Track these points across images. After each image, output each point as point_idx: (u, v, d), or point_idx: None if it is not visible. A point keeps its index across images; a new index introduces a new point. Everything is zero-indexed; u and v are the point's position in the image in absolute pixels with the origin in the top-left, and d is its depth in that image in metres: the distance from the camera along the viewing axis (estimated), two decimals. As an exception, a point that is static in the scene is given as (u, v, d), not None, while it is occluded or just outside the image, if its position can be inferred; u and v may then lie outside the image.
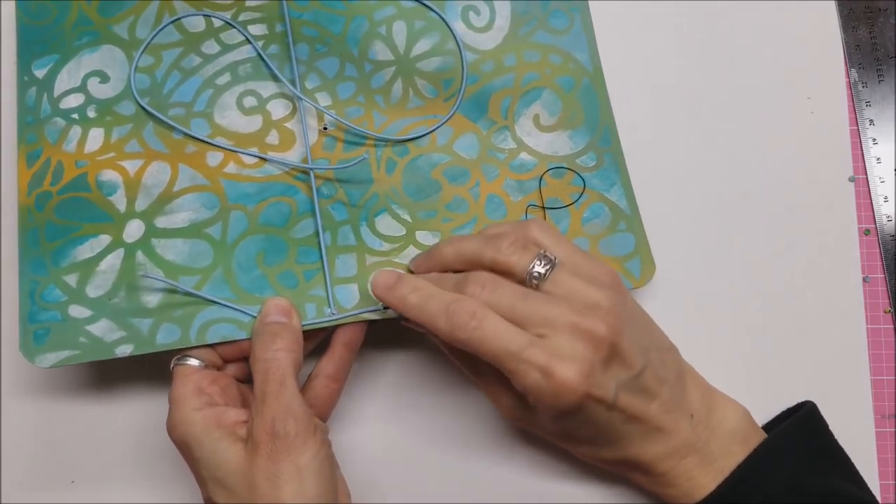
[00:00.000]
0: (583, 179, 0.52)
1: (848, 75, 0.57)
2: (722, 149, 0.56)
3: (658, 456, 0.44)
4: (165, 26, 0.53)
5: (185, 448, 0.42)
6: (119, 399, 0.51)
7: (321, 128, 0.52)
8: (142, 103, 0.51)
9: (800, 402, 0.49)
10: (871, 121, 0.56)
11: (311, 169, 0.50)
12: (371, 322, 0.48)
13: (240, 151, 0.51)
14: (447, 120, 0.52)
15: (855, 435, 0.51)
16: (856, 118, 0.57)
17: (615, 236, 0.51)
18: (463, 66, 0.54)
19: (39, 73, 0.52)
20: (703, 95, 0.57)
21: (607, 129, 0.53)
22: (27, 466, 0.50)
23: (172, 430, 0.43)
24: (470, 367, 0.46)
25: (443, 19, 0.54)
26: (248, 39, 0.53)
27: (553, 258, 0.44)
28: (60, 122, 0.51)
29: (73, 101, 0.52)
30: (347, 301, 0.48)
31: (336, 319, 0.47)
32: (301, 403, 0.42)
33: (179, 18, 0.53)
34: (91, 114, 0.51)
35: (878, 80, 0.57)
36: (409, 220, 0.50)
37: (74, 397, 0.51)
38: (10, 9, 0.55)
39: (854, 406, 0.51)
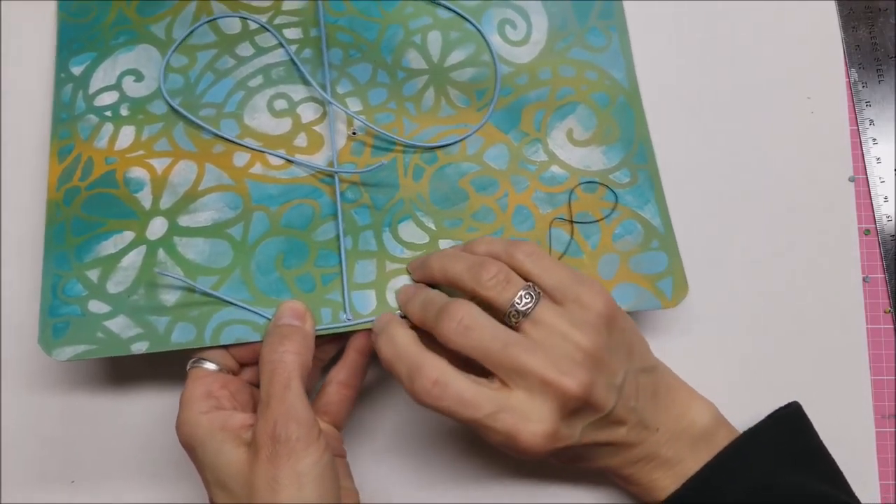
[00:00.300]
0: (615, 194, 0.50)
1: (848, 75, 0.57)
2: (722, 149, 0.55)
3: (621, 464, 0.45)
4: (200, 25, 0.53)
5: (190, 450, 0.42)
6: (120, 399, 0.51)
7: (350, 133, 0.51)
8: (172, 103, 0.51)
9: (788, 402, 0.48)
10: (871, 121, 0.56)
11: (336, 172, 0.50)
12: None
13: (266, 151, 0.50)
14: (477, 129, 0.52)
15: (855, 435, 0.51)
16: (856, 118, 0.56)
17: (647, 254, 0.49)
18: (496, 77, 0.53)
19: (76, 70, 0.53)
20: (703, 95, 0.56)
21: (643, 146, 0.52)
22: (27, 466, 0.50)
23: (179, 430, 0.43)
24: None
25: (479, 31, 0.54)
26: (281, 44, 0.53)
27: (537, 293, 0.43)
28: (94, 118, 0.51)
29: (108, 98, 0.52)
30: (364, 307, 0.47)
31: (351, 325, 0.46)
32: (305, 407, 0.41)
33: (215, 19, 0.54)
34: (124, 112, 0.52)
35: (878, 80, 0.57)
36: (434, 227, 0.49)
37: (75, 397, 0.51)
38: (49, 8, 0.56)
39: (854, 406, 0.50)
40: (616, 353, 0.43)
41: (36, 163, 0.54)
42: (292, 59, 0.53)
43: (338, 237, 0.49)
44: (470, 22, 0.54)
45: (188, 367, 0.45)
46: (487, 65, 0.54)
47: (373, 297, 0.47)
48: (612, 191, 0.51)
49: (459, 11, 0.54)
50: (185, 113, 0.51)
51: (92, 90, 0.52)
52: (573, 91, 0.53)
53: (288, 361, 0.42)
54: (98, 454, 0.50)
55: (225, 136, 0.51)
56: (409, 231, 0.49)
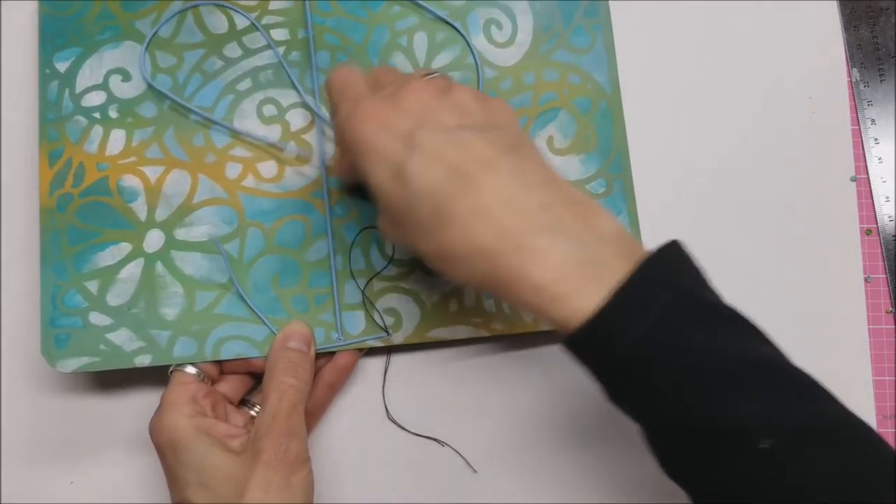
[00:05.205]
0: None
1: (849, 75, 0.57)
2: (723, 149, 0.56)
3: None
4: (184, 10, 0.53)
5: (170, 450, 0.45)
6: (120, 399, 0.52)
7: (338, 141, 0.53)
8: (169, 97, 0.52)
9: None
10: (873, 120, 0.57)
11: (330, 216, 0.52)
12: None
13: (259, 142, 0.52)
14: None
15: None
16: (857, 118, 0.57)
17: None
18: (479, 84, 0.54)
19: (61, 66, 0.52)
20: (703, 95, 0.57)
21: (620, 155, 0.54)
22: (27, 466, 0.52)
23: (160, 431, 0.45)
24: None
25: (463, 36, 0.54)
26: (270, 46, 0.53)
27: None
28: (82, 120, 0.52)
29: (95, 98, 0.52)
30: (354, 327, 0.50)
31: (342, 346, 0.50)
32: (304, 430, 0.46)
33: (196, 6, 0.53)
34: (113, 114, 0.52)
35: (879, 79, 0.57)
36: (419, 242, 0.52)
37: (75, 397, 0.52)
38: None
39: (855, 406, 0.50)
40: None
41: (26, 160, 0.54)
42: (282, 65, 0.53)
43: (328, 257, 0.51)
44: (455, 28, 0.55)
45: (171, 370, 0.49)
46: (472, 68, 0.55)
47: (362, 317, 0.50)
48: None
49: (444, 17, 0.54)
50: (176, 99, 0.52)
51: (78, 89, 0.52)
52: (556, 96, 0.54)
53: (299, 388, 0.47)
54: (97, 454, 0.52)
55: (220, 124, 0.52)
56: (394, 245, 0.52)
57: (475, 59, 0.54)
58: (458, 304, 0.51)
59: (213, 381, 0.50)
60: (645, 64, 0.57)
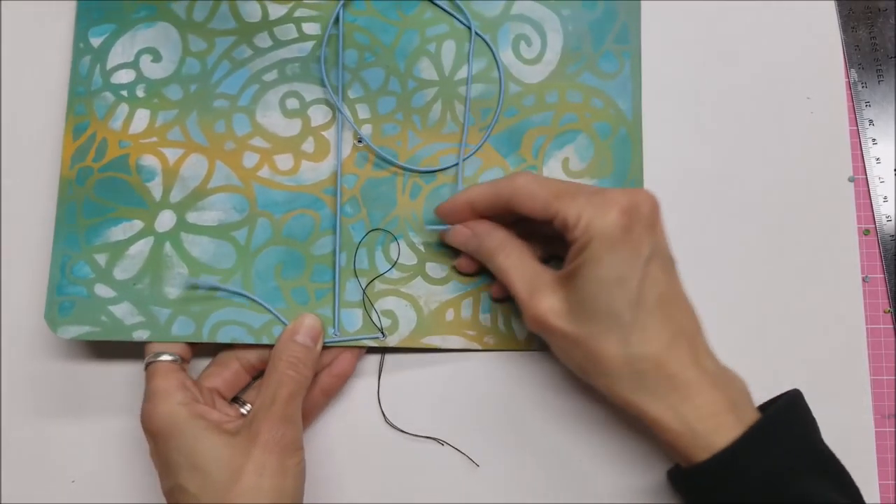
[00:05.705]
0: None
1: (847, 75, 0.57)
2: (721, 149, 0.56)
3: None
4: None
5: (162, 437, 0.46)
6: (121, 399, 0.53)
7: (356, 141, 0.53)
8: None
9: (786, 391, 0.47)
10: (871, 121, 0.57)
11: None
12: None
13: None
14: (473, 153, 0.54)
15: (854, 435, 0.53)
16: (855, 118, 0.57)
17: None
18: (500, 100, 0.54)
19: (95, 41, 0.54)
20: (702, 95, 0.57)
21: (633, 185, 0.54)
22: (27, 465, 0.52)
23: (154, 419, 0.46)
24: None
25: (491, 49, 0.55)
26: (321, 42, 0.54)
27: None
28: (110, 97, 0.53)
29: (125, 76, 0.53)
30: (351, 325, 0.51)
31: (338, 342, 0.50)
32: (300, 419, 0.47)
33: None
34: (140, 93, 0.53)
35: (877, 80, 0.57)
36: (423, 249, 0.52)
37: (75, 396, 0.53)
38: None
39: (854, 406, 0.52)
40: None
41: (52, 131, 0.55)
42: (320, 58, 0.54)
43: (334, 253, 0.52)
44: (484, 39, 0.55)
45: (147, 363, 0.49)
46: (496, 82, 0.55)
47: (360, 315, 0.51)
48: None
49: (475, 28, 0.55)
50: None
51: (109, 65, 0.53)
52: (576, 118, 0.54)
53: (300, 379, 0.47)
54: (99, 454, 0.52)
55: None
56: (400, 250, 0.52)
57: (500, 73, 0.55)
58: (455, 315, 0.52)
59: (186, 361, 0.50)
60: (642, 65, 0.56)
